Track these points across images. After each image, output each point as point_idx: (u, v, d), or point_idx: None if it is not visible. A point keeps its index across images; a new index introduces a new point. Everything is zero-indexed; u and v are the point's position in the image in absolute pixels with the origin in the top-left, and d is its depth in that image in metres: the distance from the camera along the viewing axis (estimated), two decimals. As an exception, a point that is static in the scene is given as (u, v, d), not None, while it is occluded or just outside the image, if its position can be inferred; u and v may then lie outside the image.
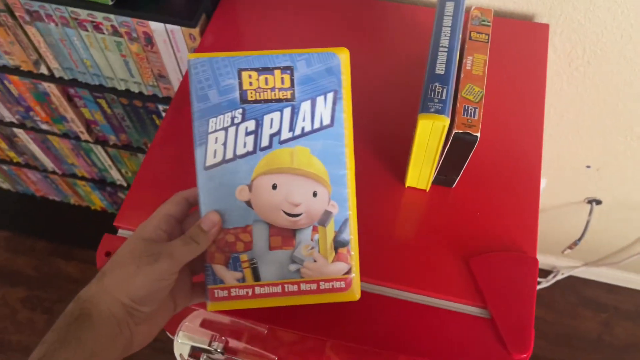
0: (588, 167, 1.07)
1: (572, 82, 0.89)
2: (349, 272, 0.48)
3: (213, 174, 0.45)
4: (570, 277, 1.47)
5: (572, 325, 1.45)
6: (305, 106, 0.45)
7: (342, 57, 0.45)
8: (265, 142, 0.46)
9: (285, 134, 0.46)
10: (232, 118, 0.45)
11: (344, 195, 0.47)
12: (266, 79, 0.45)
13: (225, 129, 0.45)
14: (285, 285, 0.47)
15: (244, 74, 0.45)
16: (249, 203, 0.46)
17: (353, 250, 0.48)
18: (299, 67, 0.45)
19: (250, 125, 0.45)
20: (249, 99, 0.45)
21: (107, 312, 0.40)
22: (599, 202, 1.16)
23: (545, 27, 0.77)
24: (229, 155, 0.45)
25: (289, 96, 0.45)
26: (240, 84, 0.45)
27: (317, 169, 0.46)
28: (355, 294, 0.48)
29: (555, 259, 1.44)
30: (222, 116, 0.45)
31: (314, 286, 0.47)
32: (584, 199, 1.17)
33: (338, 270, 0.47)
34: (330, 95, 0.46)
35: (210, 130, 0.45)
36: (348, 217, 0.48)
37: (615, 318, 1.45)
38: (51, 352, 0.37)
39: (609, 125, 0.95)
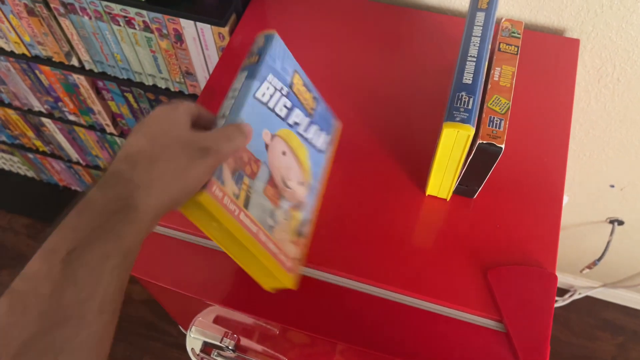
0: (612, 186, 1.05)
1: (600, 99, 0.88)
2: (299, 260, 0.54)
3: (255, 105, 0.50)
4: (587, 298, 1.45)
5: (587, 346, 1.42)
6: (315, 127, 0.59)
7: (338, 126, 0.64)
8: (290, 121, 0.55)
9: (302, 130, 0.57)
10: (281, 89, 0.53)
11: (312, 202, 0.58)
12: (305, 90, 0.58)
13: (275, 90, 0.53)
14: (261, 231, 0.48)
15: (296, 75, 0.56)
16: (266, 147, 0.51)
17: (306, 248, 0.56)
18: (320, 102, 0.61)
19: (288, 104, 0.54)
20: (293, 90, 0.56)
21: (155, 208, 0.35)
22: (621, 223, 1.14)
23: (575, 43, 0.77)
24: (271, 104, 0.52)
25: (311, 112, 0.58)
26: (292, 77, 0.55)
27: (308, 169, 0.58)
28: (295, 281, 0.53)
29: (573, 278, 1.42)
30: (277, 80, 0.53)
31: (276, 250, 0.50)
32: (606, 219, 1.15)
33: (293, 252, 0.53)
34: (329, 138, 0.62)
35: (268, 79, 0.52)
36: (310, 220, 0.57)
37: (632, 342, 1.42)
38: (84, 245, 0.32)
39: (636, 144, 0.93)
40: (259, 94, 0.50)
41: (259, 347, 0.79)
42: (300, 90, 0.56)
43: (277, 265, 0.50)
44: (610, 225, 1.15)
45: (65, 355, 0.30)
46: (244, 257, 0.50)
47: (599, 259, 1.18)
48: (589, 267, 1.22)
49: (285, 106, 0.54)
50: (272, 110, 0.52)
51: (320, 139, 0.60)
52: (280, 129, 0.53)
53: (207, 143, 0.39)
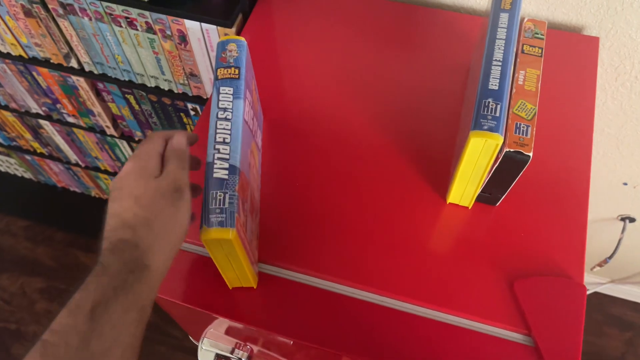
0: (625, 184, 1.03)
1: (616, 97, 0.85)
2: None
3: (244, 126, 0.52)
4: (595, 294, 1.44)
5: (596, 343, 1.41)
6: (259, 129, 0.66)
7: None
8: (254, 131, 0.60)
9: (257, 137, 0.64)
10: (252, 102, 0.57)
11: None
12: (255, 93, 0.62)
13: (250, 105, 0.56)
14: (250, 244, 0.53)
15: (253, 81, 0.59)
16: (249, 165, 0.55)
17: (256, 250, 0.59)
18: (258, 100, 0.66)
19: (253, 115, 0.59)
20: (253, 98, 0.58)
21: (163, 264, 0.41)
22: (632, 220, 1.12)
23: (595, 40, 0.74)
24: (249, 121, 0.55)
25: (257, 115, 0.64)
26: (253, 85, 0.59)
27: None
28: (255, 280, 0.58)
29: (581, 275, 1.40)
30: (249, 94, 0.55)
31: (254, 258, 0.56)
32: (617, 216, 1.14)
33: (257, 254, 0.59)
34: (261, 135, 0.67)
35: (247, 96, 0.53)
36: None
37: (641, 338, 1.42)
38: (106, 301, 0.36)
39: (652, 143, 0.92)
40: (245, 115, 0.52)
41: (272, 357, 0.77)
42: (254, 97, 0.59)
43: (253, 271, 0.55)
44: (622, 223, 1.13)
45: None
46: (228, 267, 0.52)
47: (610, 257, 1.17)
48: (599, 265, 1.21)
49: (252, 118, 0.57)
50: (250, 126, 0.55)
51: (259, 138, 0.65)
52: (252, 143, 0.57)
53: (176, 181, 0.43)
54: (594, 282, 1.40)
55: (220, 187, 0.47)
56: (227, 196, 0.46)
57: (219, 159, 0.48)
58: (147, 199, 0.42)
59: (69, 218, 1.65)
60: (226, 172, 0.47)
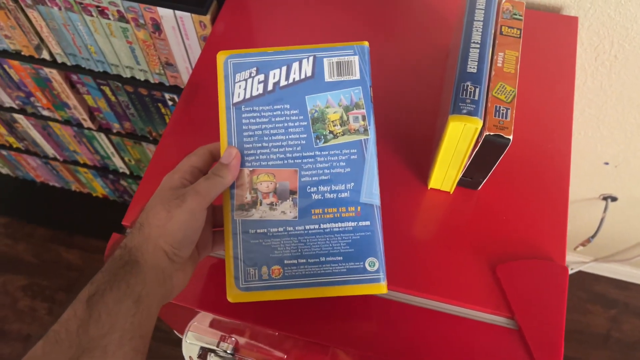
0: (606, 163, 1.04)
1: (596, 77, 0.85)
2: None
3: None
4: (579, 273, 1.46)
5: (581, 320, 1.43)
6: None
7: None
8: None
9: None
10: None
11: None
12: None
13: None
14: None
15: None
16: None
17: None
18: None
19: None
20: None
21: (152, 261, 0.43)
22: (614, 199, 1.13)
23: (574, 20, 0.74)
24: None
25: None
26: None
27: None
28: None
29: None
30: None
31: None
32: (599, 196, 1.14)
33: None
34: None
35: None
36: None
37: (625, 314, 1.43)
38: (101, 292, 0.40)
39: (632, 122, 0.92)
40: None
41: (258, 348, 0.76)
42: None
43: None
44: (604, 202, 1.14)
45: None
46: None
47: (593, 236, 1.18)
48: (582, 244, 1.22)
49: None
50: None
51: None
52: None
53: (184, 192, 0.44)
54: (577, 261, 1.42)
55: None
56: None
57: None
58: (150, 205, 0.45)
59: (49, 213, 1.63)
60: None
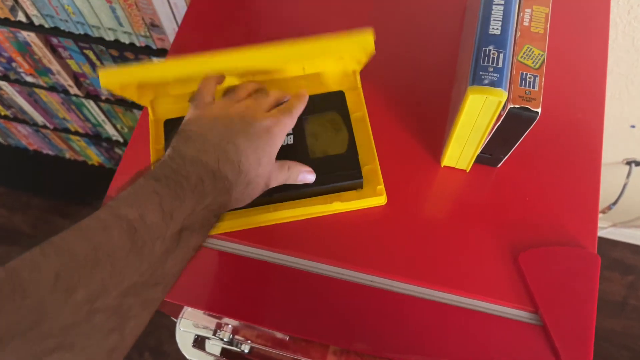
0: (632, 126, 0.96)
1: (628, 33, 0.76)
2: None
3: None
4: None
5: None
6: None
7: None
8: None
9: None
10: None
11: None
12: None
13: None
14: None
15: None
16: None
17: None
18: None
19: None
20: None
21: (236, 179, 0.42)
22: (638, 164, 1.06)
23: (608, -32, 0.65)
24: None
25: None
26: None
27: None
28: None
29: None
30: None
31: None
32: (623, 160, 1.07)
33: None
34: None
35: None
36: None
37: (642, 281, 1.38)
38: (194, 229, 0.38)
39: (664, 82, 0.84)
40: None
41: (258, 331, 0.71)
42: None
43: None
44: (627, 167, 1.06)
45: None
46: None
47: (614, 203, 1.11)
48: (603, 211, 1.15)
49: None
50: None
51: None
52: None
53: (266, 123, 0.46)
54: (594, 226, 1.36)
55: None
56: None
57: None
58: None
59: (44, 183, 1.57)
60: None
